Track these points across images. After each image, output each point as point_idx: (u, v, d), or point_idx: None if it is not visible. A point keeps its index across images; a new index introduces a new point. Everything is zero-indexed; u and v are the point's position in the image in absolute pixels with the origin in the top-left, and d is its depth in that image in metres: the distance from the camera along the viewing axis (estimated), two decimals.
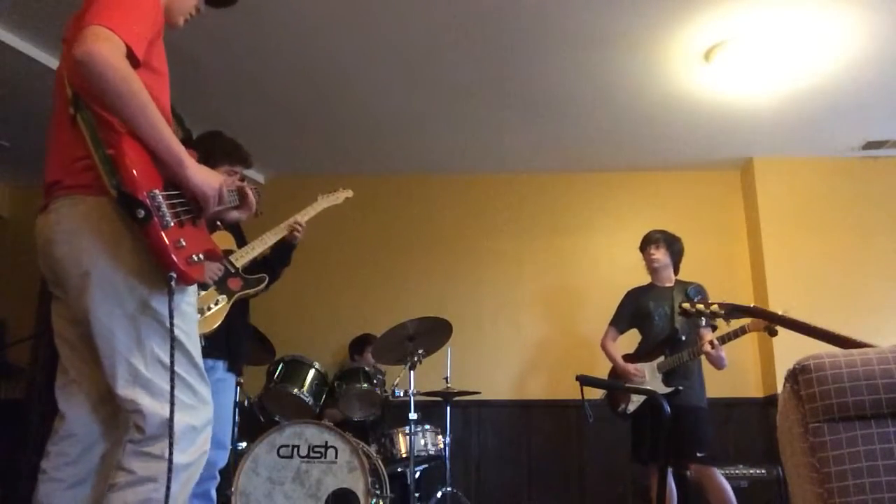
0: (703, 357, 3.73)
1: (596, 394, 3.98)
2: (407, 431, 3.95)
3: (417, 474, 4.04)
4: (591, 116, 4.60)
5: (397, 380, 4.15)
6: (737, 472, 4.12)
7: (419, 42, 3.79)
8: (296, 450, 3.59)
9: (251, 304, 3.08)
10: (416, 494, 3.96)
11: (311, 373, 3.96)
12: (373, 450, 3.89)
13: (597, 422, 3.17)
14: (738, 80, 4.05)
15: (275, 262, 3.11)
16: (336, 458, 3.58)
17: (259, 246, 2.97)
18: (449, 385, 4.18)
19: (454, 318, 4.12)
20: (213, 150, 2.77)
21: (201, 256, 1.70)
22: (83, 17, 1.60)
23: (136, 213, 1.55)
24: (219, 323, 2.75)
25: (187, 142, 1.86)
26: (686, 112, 4.48)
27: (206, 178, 1.74)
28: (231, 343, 2.89)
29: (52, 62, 3.75)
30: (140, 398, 1.62)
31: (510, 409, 5.04)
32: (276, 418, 3.92)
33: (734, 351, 3.93)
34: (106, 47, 1.53)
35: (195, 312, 1.81)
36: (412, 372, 3.99)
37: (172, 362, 1.61)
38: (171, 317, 1.61)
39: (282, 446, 3.59)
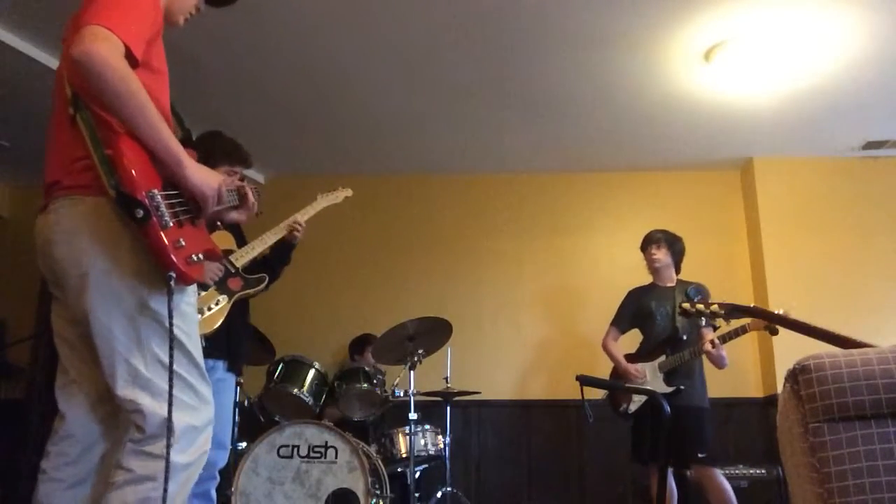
0: (704, 357, 3.73)
1: (597, 394, 3.97)
2: (407, 431, 3.95)
3: (417, 474, 4.04)
4: (591, 116, 4.60)
5: (397, 380, 4.15)
6: (737, 472, 4.12)
7: (419, 42, 3.79)
8: (296, 450, 3.59)
9: (251, 303, 3.08)
10: (416, 494, 3.96)
11: (311, 373, 3.96)
12: (373, 450, 3.89)
13: (597, 422, 3.17)
14: (738, 80, 4.05)
15: (275, 261, 3.11)
16: (336, 458, 3.58)
17: (259, 246, 2.97)
18: (449, 385, 4.18)
19: (454, 318, 4.12)
20: (213, 150, 2.76)
21: (201, 256, 1.70)
22: (81, 16, 1.60)
23: (135, 212, 1.55)
24: (219, 323, 2.74)
25: (187, 141, 1.86)
26: (686, 112, 4.48)
27: (204, 178, 1.73)
28: (231, 343, 2.89)
29: (52, 62, 3.75)
30: (140, 398, 1.62)
31: (510, 409, 5.04)
32: (276, 418, 3.92)
33: (734, 351, 3.93)
34: (104, 47, 1.52)
35: (195, 312, 1.81)
36: (412, 372, 3.99)
37: (171, 362, 1.61)
38: (171, 316, 1.61)
39: (282, 446, 3.59)
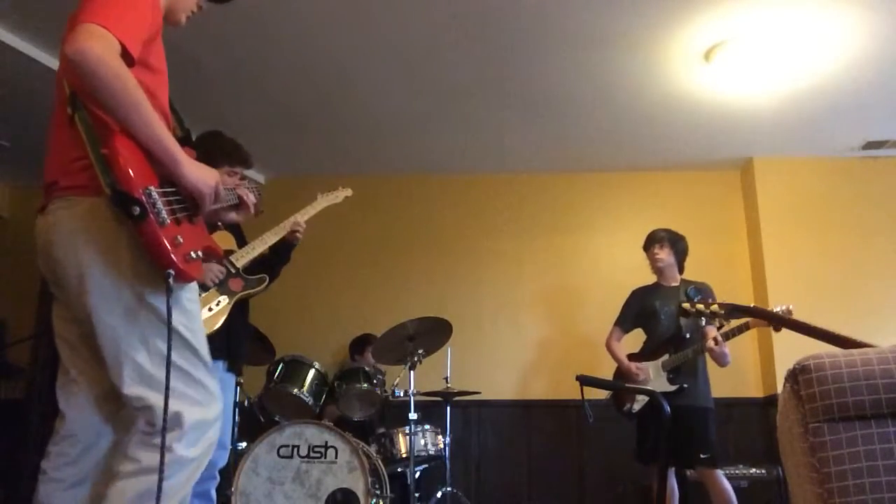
0: (707, 355, 3.72)
1: (597, 394, 3.97)
2: (407, 431, 3.96)
3: (417, 474, 4.04)
4: (591, 116, 4.60)
5: (397, 380, 4.15)
6: (737, 472, 4.12)
7: (419, 42, 3.79)
8: (296, 450, 3.59)
9: (251, 303, 3.08)
10: (416, 494, 3.96)
11: (311, 373, 3.95)
12: (373, 450, 3.89)
13: (597, 422, 3.17)
14: (738, 80, 4.05)
15: (274, 260, 3.11)
16: (336, 458, 3.58)
17: (259, 246, 2.97)
18: (449, 385, 4.18)
19: (454, 318, 4.12)
20: (213, 150, 2.76)
21: (199, 253, 1.70)
22: (77, 15, 1.60)
23: (132, 210, 1.54)
24: (220, 323, 2.75)
25: (186, 141, 1.86)
26: (686, 112, 4.48)
27: (201, 176, 1.73)
28: (231, 343, 2.89)
29: (52, 62, 3.75)
30: (147, 395, 1.63)
31: (510, 409, 5.04)
32: (276, 418, 3.92)
33: (734, 351, 3.93)
34: (99, 45, 1.52)
35: (198, 308, 1.81)
36: (412, 372, 3.99)
37: (168, 358, 1.61)
38: (169, 314, 1.61)
39: (282, 446, 3.59)
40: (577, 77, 4.10)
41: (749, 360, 4.96)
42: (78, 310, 1.68)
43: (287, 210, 3.18)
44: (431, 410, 4.37)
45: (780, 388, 1.91)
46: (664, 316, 3.87)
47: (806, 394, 1.34)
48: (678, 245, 3.98)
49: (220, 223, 2.80)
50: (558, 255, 5.32)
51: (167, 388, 1.59)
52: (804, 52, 3.78)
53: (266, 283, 2.94)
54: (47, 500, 1.71)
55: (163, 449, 1.58)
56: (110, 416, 1.77)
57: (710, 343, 3.57)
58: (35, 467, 1.77)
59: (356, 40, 3.77)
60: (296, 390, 3.87)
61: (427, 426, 4.11)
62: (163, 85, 1.81)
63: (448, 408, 4.18)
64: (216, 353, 2.80)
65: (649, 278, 4.07)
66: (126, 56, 1.58)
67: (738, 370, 4.73)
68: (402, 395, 4.06)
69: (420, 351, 4.00)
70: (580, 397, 2.90)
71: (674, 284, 3.94)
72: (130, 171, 1.56)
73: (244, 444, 3.75)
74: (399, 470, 4.02)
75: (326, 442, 3.60)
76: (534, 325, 5.22)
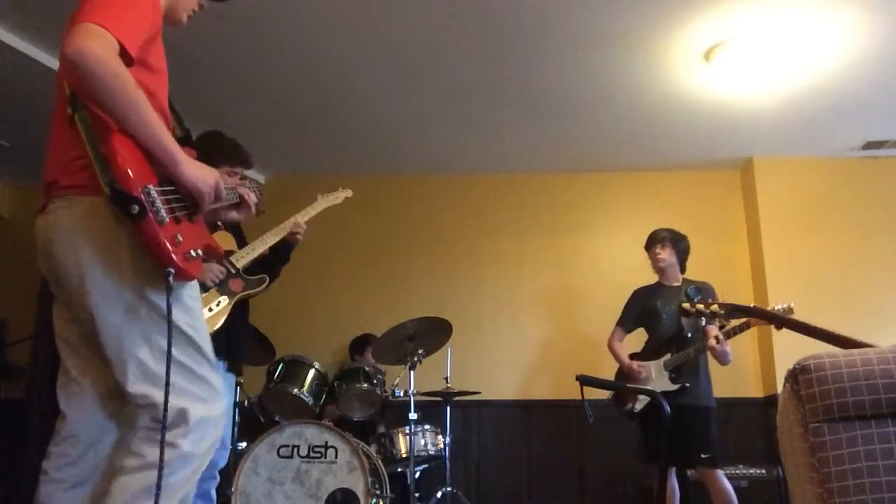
0: (709, 354, 3.72)
1: (599, 394, 3.97)
2: (407, 431, 3.96)
3: (417, 474, 4.04)
4: (591, 116, 4.60)
5: (397, 380, 4.15)
6: (737, 472, 4.12)
7: (419, 42, 3.79)
8: (296, 450, 3.59)
9: (251, 303, 3.08)
10: (416, 494, 3.96)
11: (311, 373, 3.95)
12: (373, 450, 3.89)
13: (597, 422, 3.17)
14: (738, 80, 4.05)
15: (274, 261, 3.11)
16: (336, 458, 3.58)
17: (260, 246, 2.97)
18: (449, 385, 4.18)
19: (454, 318, 4.12)
20: (213, 150, 2.76)
21: (199, 252, 1.70)
22: (76, 15, 1.60)
23: (130, 209, 1.54)
24: (220, 324, 2.75)
25: (186, 141, 1.86)
26: (686, 112, 4.48)
27: (200, 175, 1.73)
28: (231, 344, 2.89)
29: (52, 62, 3.75)
30: (152, 392, 1.63)
31: (510, 409, 5.04)
32: (276, 418, 3.92)
33: (734, 351, 3.93)
34: (98, 45, 1.52)
35: (199, 305, 1.81)
36: (412, 372, 3.99)
37: (169, 357, 1.61)
38: (169, 312, 1.61)
39: (282, 446, 3.59)
40: (577, 77, 4.10)
41: (749, 360, 4.96)
42: (80, 309, 1.68)
43: (287, 210, 3.17)
44: (431, 410, 4.37)
45: (780, 388, 1.91)
46: (666, 315, 3.87)
47: (806, 394, 1.34)
48: (680, 245, 3.97)
49: (220, 223, 2.80)
50: (558, 255, 5.32)
51: (167, 383, 1.59)
52: (804, 52, 3.78)
53: (266, 283, 2.94)
54: (48, 501, 1.71)
55: (162, 444, 1.58)
56: (112, 414, 1.78)
57: (712, 342, 3.56)
58: (35, 467, 1.77)
59: (356, 40, 3.77)
60: (296, 390, 3.87)
61: (427, 426, 4.11)
62: (163, 85, 1.81)
63: (448, 408, 4.18)
64: (216, 353, 2.81)
65: (649, 278, 4.07)
66: (124, 56, 1.58)
67: (738, 370, 4.73)
68: (402, 395, 4.06)
69: (420, 351, 4.00)
70: (580, 397, 2.90)
71: (675, 284, 3.93)
72: (129, 170, 1.56)
73: (244, 444, 3.75)
74: (399, 470, 4.02)
75: (326, 442, 3.60)
76: (534, 325, 5.22)
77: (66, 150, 1.67)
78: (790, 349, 2.19)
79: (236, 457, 3.54)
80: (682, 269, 4.00)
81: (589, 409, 3.02)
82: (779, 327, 2.41)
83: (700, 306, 2.40)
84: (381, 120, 4.69)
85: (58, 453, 1.74)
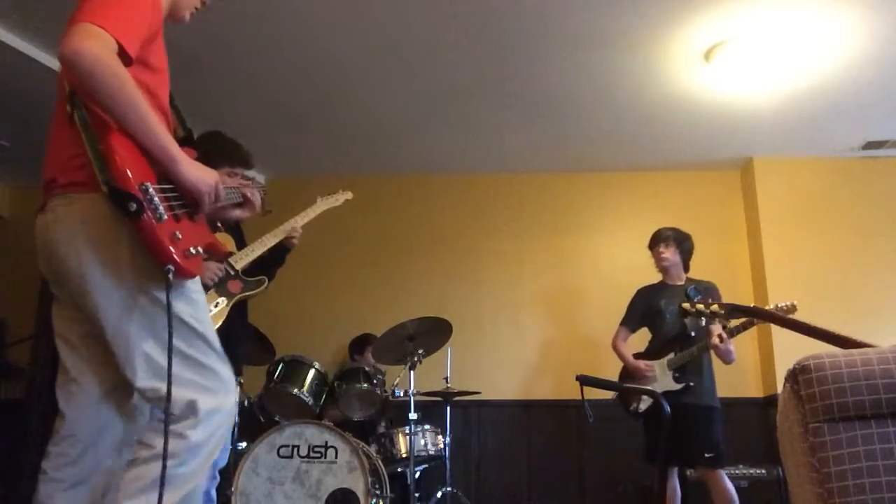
0: (712, 353, 3.71)
1: (599, 394, 3.97)
2: (407, 431, 3.95)
3: (417, 474, 4.04)
4: (591, 116, 4.60)
5: (397, 380, 4.15)
6: (737, 472, 4.12)
7: (419, 42, 3.79)
8: (296, 450, 3.59)
9: (250, 304, 3.08)
10: (416, 494, 3.96)
11: (311, 373, 3.96)
12: (373, 450, 3.89)
13: (597, 422, 3.17)
14: (738, 80, 4.05)
15: (270, 263, 3.11)
16: (336, 458, 3.58)
17: (259, 248, 2.97)
18: (449, 385, 4.18)
19: (454, 318, 4.12)
20: (213, 150, 2.75)
21: (200, 249, 1.70)
22: (75, 15, 1.60)
23: (128, 206, 1.54)
24: (218, 325, 2.74)
25: (188, 141, 1.86)
26: (686, 112, 4.48)
27: (200, 175, 1.73)
28: (230, 345, 2.88)
29: (52, 62, 3.75)
30: (161, 386, 1.63)
31: (510, 409, 5.04)
32: (276, 418, 3.92)
33: (734, 350, 3.93)
34: (96, 45, 1.52)
35: (204, 298, 1.81)
36: (412, 372, 3.99)
37: (170, 355, 1.60)
38: (169, 310, 1.61)
39: (282, 446, 3.59)
40: (577, 77, 4.10)
41: (749, 360, 4.96)
42: (84, 309, 1.68)
43: (287, 211, 3.17)
44: (431, 410, 4.37)
45: (780, 388, 1.91)
46: (669, 315, 3.85)
47: (806, 394, 1.34)
48: (684, 244, 3.96)
49: (219, 224, 2.80)
50: (558, 255, 5.32)
51: (169, 376, 1.59)
52: (804, 52, 3.78)
53: (265, 285, 2.94)
54: (47, 501, 1.71)
55: (166, 435, 1.59)
56: (112, 414, 1.78)
57: (715, 340, 3.56)
58: (35, 467, 1.77)
59: (356, 40, 3.77)
60: (296, 390, 3.87)
61: (427, 426, 4.11)
62: (163, 84, 1.81)
63: (448, 408, 4.18)
64: None
65: (650, 278, 4.07)
66: (123, 55, 1.58)
67: (738, 370, 4.72)
68: (402, 395, 4.06)
69: (420, 351, 4.01)
70: (580, 397, 2.90)
71: (679, 283, 3.92)
72: (126, 168, 1.56)
73: (244, 444, 3.75)
74: (399, 470, 4.02)
75: (326, 442, 3.60)
76: (534, 325, 5.22)
77: (66, 149, 1.67)
78: (790, 349, 2.19)
79: (236, 457, 3.53)
80: (686, 269, 3.99)
81: (589, 409, 3.02)
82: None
83: (700, 306, 2.40)
84: (381, 120, 4.69)
85: (57, 453, 1.74)
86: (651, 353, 3.91)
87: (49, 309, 1.83)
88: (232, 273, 2.83)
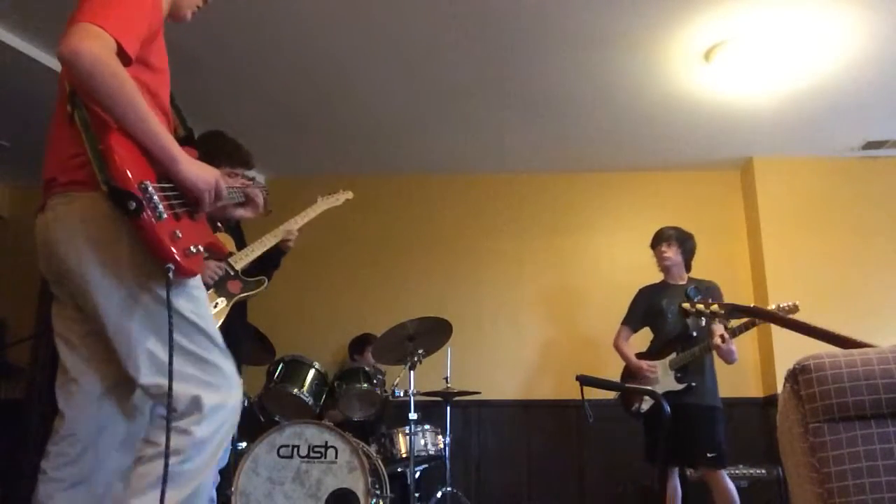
0: (714, 353, 3.71)
1: (599, 394, 3.97)
2: (407, 431, 3.95)
3: (417, 474, 4.04)
4: (591, 116, 4.60)
5: (397, 380, 4.15)
6: (737, 472, 4.12)
7: (419, 42, 3.79)
8: (296, 450, 3.59)
9: (250, 303, 3.08)
10: (416, 494, 3.96)
11: (311, 373, 3.96)
12: (373, 450, 3.89)
13: (597, 422, 3.17)
14: (738, 80, 4.05)
15: (267, 264, 3.11)
16: (336, 458, 3.58)
17: (258, 248, 2.97)
18: (449, 385, 4.18)
19: (454, 318, 4.12)
20: (214, 150, 2.75)
21: (200, 248, 1.69)
22: (74, 15, 1.60)
23: (128, 205, 1.54)
24: (218, 325, 2.74)
25: (189, 140, 1.86)
26: (686, 112, 4.48)
27: (200, 175, 1.73)
28: (230, 344, 2.88)
29: (52, 62, 3.75)
30: (165, 382, 1.63)
31: (510, 409, 5.04)
32: (276, 418, 3.92)
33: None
34: (95, 45, 1.52)
35: (205, 295, 1.81)
36: (412, 372, 3.99)
37: (171, 355, 1.60)
38: (170, 309, 1.61)
39: (282, 446, 3.59)
40: (577, 77, 4.10)
41: (749, 360, 4.95)
42: (84, 307, 1.68)
43: (286, 210, 3.17)
44: (431, 410, 4.37)
45: (780, 388, 1.91)
46: (671, 315, 3.85)
47: (806, 394, 1.34)
48: (686, 244, 3.95)
49: (219, 224, 2.80)
50: (558, 255, 5.32)
51: (170, 373, 1.60)
52: (804, 52, 3.78)
53: (264, 285, 2.94)
54: (47, 500, 1.71)
55: (168, 432, 1.59)
56: (111, 413, 1.78)
57: (717, 340, 3.55)
58: (35, 467, 1.76)
59: (356, 40, 3.77)
60: (296, 390, 3.87)
61: (427, 426, 4.11)
62: (164, 84, 1.80)
63: (448, 408, 4.18)
64: None
65: (649, 278, 4.07)
66: (123, 55, 1.58)
67: (738, 370, 4.71)
68: (402, 395, 4.06)
69: (420, 351, 4.00)
70: (580, 397, 2.91)
71: (681, 283, 3.91)
72: (126, 168, 1.56)
73: (244, 444, 3.75)
74: (399, 470, 4.02)
75: (326, 442, 3.60)
76: (534, 325, 5.22)
77: (66, 148, 1.67)
78: (790, 349, 2.19)
79: (236, 457, 3.54)
80: (688, 268, 3.98)
81: (589, 409, 3.03)
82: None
83: (700, 306, 2.40)
84: (381, 120, 4.69)
85: (56, 452, 1.74)
86: (653, 352, 3.91)
87: (49, 309, 1.83)
88: (232, 273, 2.83)
